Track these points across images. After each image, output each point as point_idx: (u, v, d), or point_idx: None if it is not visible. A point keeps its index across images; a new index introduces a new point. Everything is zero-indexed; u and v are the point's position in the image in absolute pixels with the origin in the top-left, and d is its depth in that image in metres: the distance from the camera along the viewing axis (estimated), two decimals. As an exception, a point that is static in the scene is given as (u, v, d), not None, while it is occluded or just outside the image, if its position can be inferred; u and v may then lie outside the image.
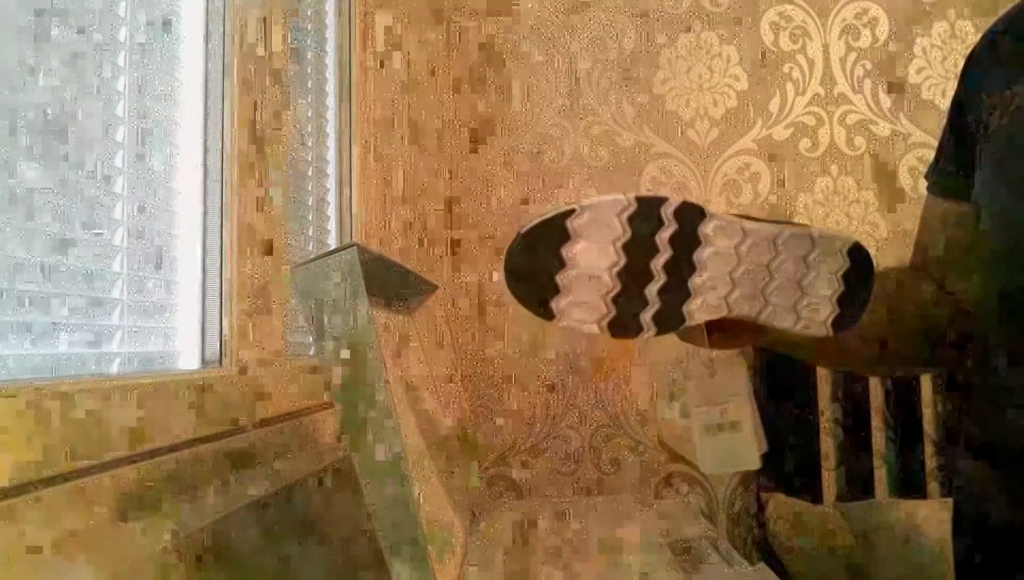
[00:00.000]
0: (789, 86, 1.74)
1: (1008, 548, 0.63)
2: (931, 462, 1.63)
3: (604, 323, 0.57)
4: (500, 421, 1.69)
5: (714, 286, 0.60)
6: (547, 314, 0.57)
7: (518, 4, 1.76)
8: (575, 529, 0.92)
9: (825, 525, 1.48)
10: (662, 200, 0.59)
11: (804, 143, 1.73)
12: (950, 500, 0.72)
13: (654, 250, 0.59)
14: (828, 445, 1.64)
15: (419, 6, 1.75)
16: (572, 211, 0.57)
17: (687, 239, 0.59)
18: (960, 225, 0.72)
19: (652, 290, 0.58)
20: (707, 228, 0.60)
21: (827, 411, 1.66)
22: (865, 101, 1.74)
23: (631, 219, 0.58)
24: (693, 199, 0.60)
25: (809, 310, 0.64)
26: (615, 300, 0.57)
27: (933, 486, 1.61)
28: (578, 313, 0.57)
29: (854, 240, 0.65)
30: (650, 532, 0.90)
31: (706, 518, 1.60)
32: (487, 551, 0.82)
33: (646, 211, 0.59)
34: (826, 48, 1.75)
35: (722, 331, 0.66)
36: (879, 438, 1.65)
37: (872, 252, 0.65)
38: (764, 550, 1.57)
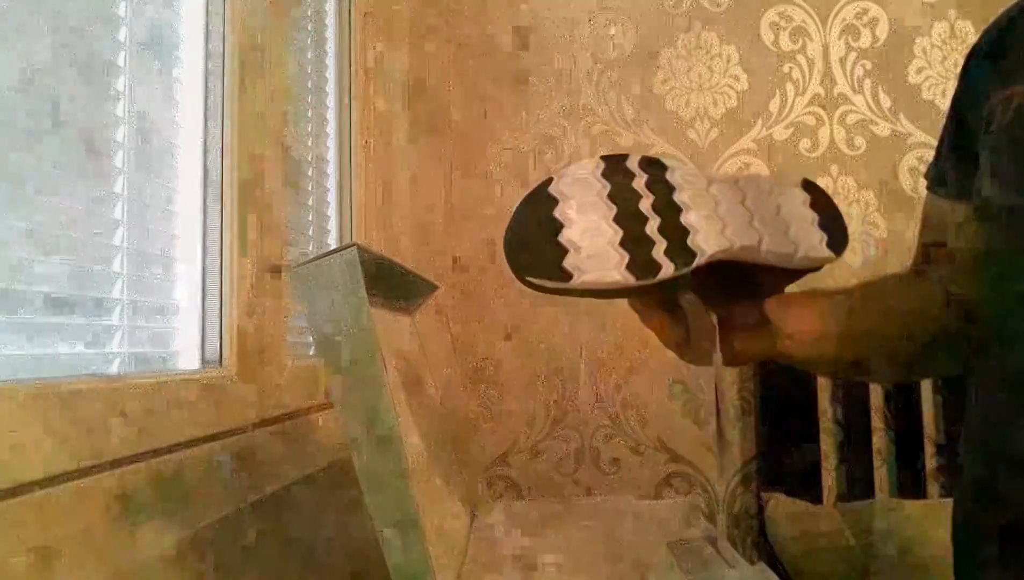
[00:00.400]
0: (789, 86, 1.74)
1: (1010, 550, 0.63)
2: (931, 462, 1.63)
3: (622, 268, 0.58)
4: (500, 421, 1.69)
5: (705, 222, 0.62)
6: (564, 276, 0.57)
7: (519, 5, 1.76)
8: (575, 529, 0.91)
9: (825, 525, 1.48)
10: (624, 156, 0.63)
11: (804, 143, 1.73)
12: (950, 500, 0.72)
13: (637, 196, 0.61)
14: (828, 445, 1.64)
15: (420, 6, 1.75)
16: (550, 179, 0.61)
17: (661, 185, 0.63)
18: (961, 225, 0.72)
19: (652, 229, 0.60)
20: (674, 177, 0.63)
21: (827, 411, 1.66)
22: (865, 101, 1.74)
23: (604, 175, 0.61)
24: (651, 153, 0.65)
25: (801, 236, 0.66)
26: (623, 245, 0.59)
27: (933, 486, 1.61)
28: (594, 265, 0.58)
29: (803, 177, 0.70)
30: (650, 532, 0.90)
31: (706, 518, 1.60)
32: (487, 551, 0.82)
33: (614, 166, 0.62)
34: (826, 48, 1.75)
35: (733, 344, 0.67)
36: (879, 438, 1.64)
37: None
38: (764, 550, 1.57)
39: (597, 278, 0.57)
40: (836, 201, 0.70)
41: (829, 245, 0.66)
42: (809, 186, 0.69)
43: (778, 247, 0.64)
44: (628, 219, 0.60)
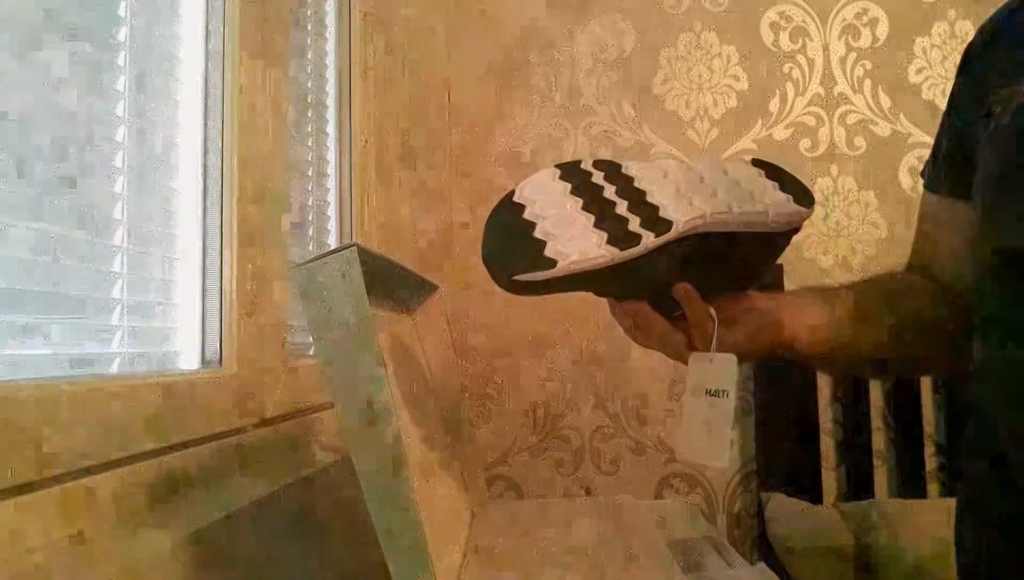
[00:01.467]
0: (789, 86, 1.74)
1: (1012, 551, 0.63)
2: (931, 462, 1.63)
3: (604, 244, 0.58)
4: (500, 421, 1.69)
5: (673, 200, 0.63)
6: (549, 263, 0.58)
7: (520, 5, 1.76)
8: (575, 529, 0.91)
9: (825, 525, 1.48)
10: (578, 161, 0.65)
11: (804, 143, 1.73)
12: (950, 500, 0.72)
13: (599, 188, 0.62)
14: (828, 445, 1.64)
15: (420, 6, 1.75)
16: (512, 191, 0.62)
17: (619, 177, 0.64)
18: (959, 224, 0.72)
19: (623, 210, 0.61)
20: (629, 170, 0.64)
21: (827, 411, 1.66)
22: (865, 101, 1.74)
23: (563, 178, 0.63)
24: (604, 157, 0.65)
25: (768, 200, 0.67)
26: (597, 226, 0.59)
27: (933, 486, 1.61)
28: (575, 246, 0.58)
29: (751, 157, 0.72)
30: (650, 532, 0.90)
31: (706, 518, 1.60)
32: (487, 551, 0.82)
33: (570, 168, 0.64)
34: (826, 48, 1.75)
35: (737, 336, 0.67)
36: (879, 438, 1.64)
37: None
38: (764, 550, 1.57)
39: (582, 256, 0.58)
40: (808, 187, 0.71)
41: (797, 202, 0.68)
42: (758, 162, 0.71)
43: (748, 215, 0.65)
44: (596, 205, 0.61)
